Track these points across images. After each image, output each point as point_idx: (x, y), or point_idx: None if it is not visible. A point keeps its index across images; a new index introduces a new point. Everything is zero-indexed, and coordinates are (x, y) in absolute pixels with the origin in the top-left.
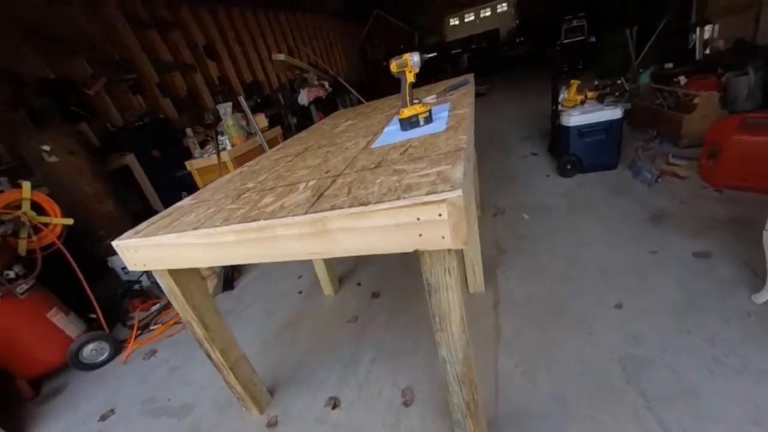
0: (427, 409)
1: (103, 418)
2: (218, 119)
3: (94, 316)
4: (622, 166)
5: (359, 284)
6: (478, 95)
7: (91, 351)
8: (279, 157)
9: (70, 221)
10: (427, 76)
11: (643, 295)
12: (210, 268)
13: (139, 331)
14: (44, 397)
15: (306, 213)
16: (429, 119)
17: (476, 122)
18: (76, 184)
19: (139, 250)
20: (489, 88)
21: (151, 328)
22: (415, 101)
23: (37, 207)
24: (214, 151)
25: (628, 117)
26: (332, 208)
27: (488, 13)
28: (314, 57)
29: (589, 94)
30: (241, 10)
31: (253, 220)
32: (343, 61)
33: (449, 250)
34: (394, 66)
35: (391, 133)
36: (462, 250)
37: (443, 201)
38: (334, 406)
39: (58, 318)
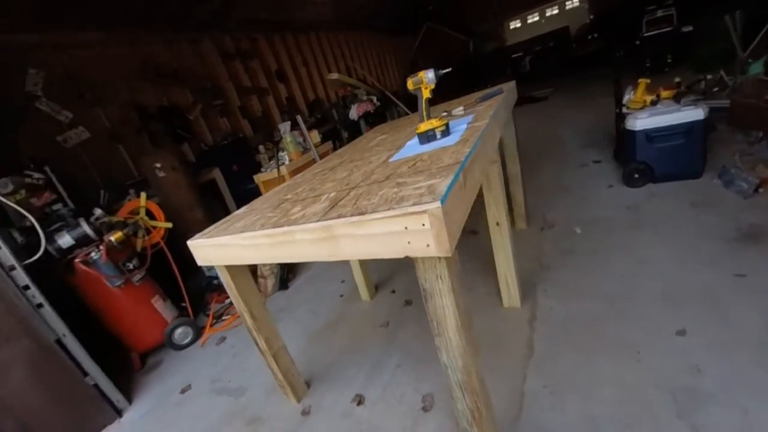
0: (445, 416)
1: (183, 391)
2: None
3: (184, 304)
4: (710, 174)
5: (393, 291)
6: (538, 100)
7: (179, 334)
8: (318, 171)
9: (170, 225)
10: (484, 82)
11: (714, 324)
12: (270, 270)
13: (214, 320)
14: (147, 369)
15: (318, 221)
16: (446, 132)
17: (533, 129)
18: (175, 195)
19: (204, 249)
20: (552, 91)
21: (223, 318)
22: (444, 113)
23: (148, 213)
24: (275, 166)
25: (729, 116)
26: (338, 216)
27: (556, 11)
28: (362, 72)
29: (664, 93)
30: (306, 34)
31: (279, 227)
32: (395, 75)
33: (439, 258)
34: (410, 83)
35: (411, 147)
36: (494, 263)
37: (425, 212)
38: (359, 403)
39: (159, 304)
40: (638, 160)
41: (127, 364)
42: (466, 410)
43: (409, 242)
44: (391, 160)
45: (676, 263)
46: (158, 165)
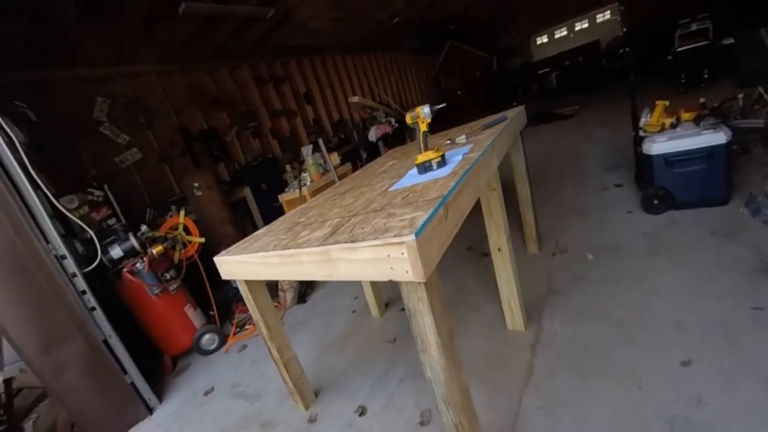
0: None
1: (206, 393)
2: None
3: (212, 313)
4: (738, 201)
5: (402, 310)
6: (563, 118)
7: (207, 340)
8: (330, 196)
9: (203, 240)
10: (510, 99)
11: (725, 355)
12: (289, 284)
13: (237, 329)
14: (177, 372)
15: (319, 245)
16: (442, 163)
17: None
18: (209, 212)
19: (227, 265)
20: (579, 108)
21: (246, 327)
22: (447, 141)
23: (185, 229)
24: (297, 186)
25: (763, 137)
26: (335, 243)
27: (585, 25)
28: (384, 96)
29: (685, 116)
30: (333, 57)
31: (288, 248)
32: (417, 93)
33: (419, 283)
34: (408, 118)
35: (411, 176)
36: (497, 287)
37: (402, 243)
38: (362, 414)
39: (190, 311)
40: (657, 186)
41: (160, 366)
42: (450, 424)
43: (391, 268)
44: (390, 189)
45: (691, 293)
46: (196, 185)
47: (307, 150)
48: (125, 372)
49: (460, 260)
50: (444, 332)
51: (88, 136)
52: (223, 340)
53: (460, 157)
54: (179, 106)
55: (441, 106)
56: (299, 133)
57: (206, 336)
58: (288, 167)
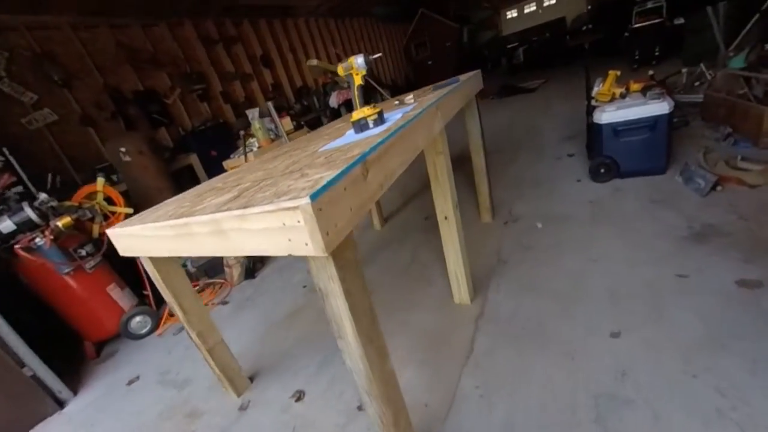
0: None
1: (130, 382)
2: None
3: (146, 292)
4: (674, 169)
5: None
6: (526, 91)
7: (137, 323)
8: (263, 160)
9: (131, 210)
10: (485, 72)
11: (650, 325)
12: (236, 259)
13: None
14: (101, 359)
15: (210, 213)
16: (379, 121)
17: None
18: (143, 179)
19: (123, 239)
20: (543, 82)
21: None
22: (396, 102)
23: (109, 199)
24: (243, 153)
25: (701, 111)
26: (227, 210)
27: (554, 1)
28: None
29: (633, 86)
30: (294, 20)
31: (180, 218)
32: (389, 63)
33: (328, 257)
34: (340, 70)
35: (348, 136)
36: (444, 256)
37: (297, 208)
38: (298, 399)
39: (115, 292)
40: (605, 155)
41: (82, 353)
42: (374, 415)
43: (289, 239)
44: (320, 149)
45: (627, 261)
46: (123, 149)
47: (252, 113)
48: (23, 365)
49: (418, 230)
50: (362, 316)
51: None
52: (157, 323)
53: (399, 115)
54: (106, 65)
55: (378, 55)
56: (257, 98)
57: (136, 319)
58: (242, 133)
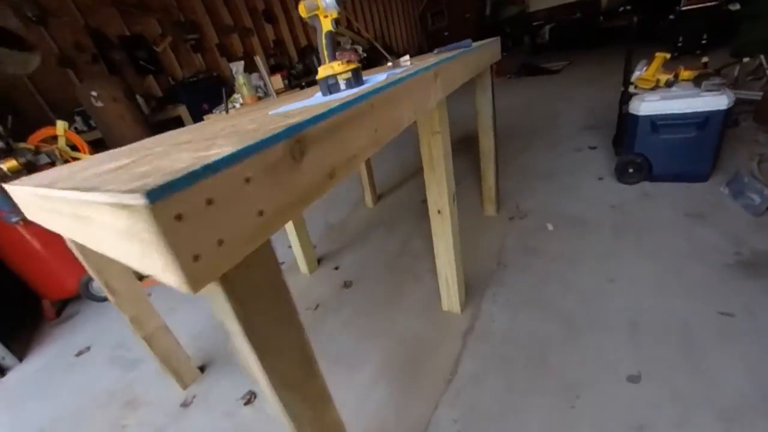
0: None
1: (79, 353)
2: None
3: None
4: (719, 178)
5: (336, 268)
6: (549, 72)
7: (98, 285)
8: (218, 119)
9: None
10: (505, 50)
11: (680, 372)
12: None
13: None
14: (60, 321)
15: (61, 189)
16: (354, 82)
17: (533, 104)
18: (118, 128)
19: (23, 200)
20: (568, 64)
21: None
22: (389, 64)
23: (73, 145)
24: (224, 110)
25: (755, 110)
26: (74, 188)
27: None
28: (355, 23)
29: (684, 74)
30: None
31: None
32: (402, 31)
33: (217, 284)
34: (303, 10)
35: (315, 99)
36: (434, 260)
37: (132, 207)
38: (248, 402)
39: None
40: (636, 152)
41: (40, 313)
42: None
43: (142, 253)
44: (270, 113)
45: (653, 287)
46: (95, 93)
47: (237, 66)
48: None
49: (413, 214)
50: (280, 360)
51: None
52: None
53: (384, 77)
54: (88, 5)
55: None
56: (258, 54)
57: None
58: (225, 89)
